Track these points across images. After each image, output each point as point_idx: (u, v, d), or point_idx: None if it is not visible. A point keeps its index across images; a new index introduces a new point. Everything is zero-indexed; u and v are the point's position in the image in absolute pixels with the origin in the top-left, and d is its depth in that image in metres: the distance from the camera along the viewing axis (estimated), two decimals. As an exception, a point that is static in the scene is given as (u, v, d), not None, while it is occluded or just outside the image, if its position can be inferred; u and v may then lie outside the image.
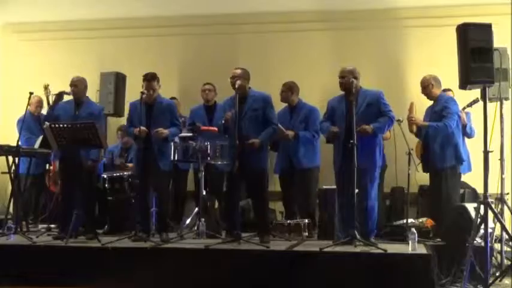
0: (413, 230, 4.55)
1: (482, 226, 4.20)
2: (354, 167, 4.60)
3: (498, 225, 4.55)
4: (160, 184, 5.20)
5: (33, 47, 7.55)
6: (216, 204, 5.96)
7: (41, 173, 6.49)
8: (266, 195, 5.12)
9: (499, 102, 4.89)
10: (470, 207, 4.83)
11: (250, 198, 6.01)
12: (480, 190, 4.62)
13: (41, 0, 6.98)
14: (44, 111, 6.43)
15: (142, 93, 5.13)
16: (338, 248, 4.52)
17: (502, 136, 4.83)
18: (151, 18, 7.19)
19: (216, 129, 5.58)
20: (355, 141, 4.63)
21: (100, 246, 4.76)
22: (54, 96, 5.70)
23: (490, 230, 4.35)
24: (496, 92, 4.85)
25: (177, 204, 6.08)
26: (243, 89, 5.00)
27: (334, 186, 5.14)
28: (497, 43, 4.37)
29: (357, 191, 4.67)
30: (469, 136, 5.71)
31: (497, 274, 4.42)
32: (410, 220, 5.40)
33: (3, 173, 6.05)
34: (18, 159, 5.71)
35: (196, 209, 5.52)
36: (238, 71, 5.03)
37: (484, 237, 4.18)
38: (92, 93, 5.80)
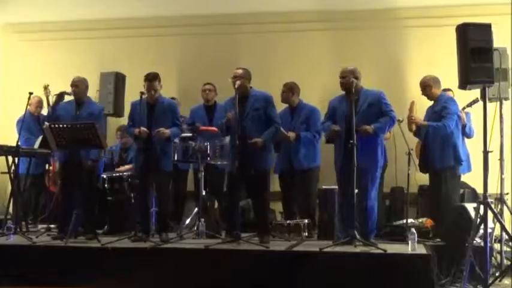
0: (413, 230, 4.55)
1: (482, 226, 4.20)
2: (353, 166, 4.60)
3: (498, 225, 4.55)
4: (161, 184, 5.20)
5: (33, 47, 7.56)
6: (216, 205, 5.96)
7: (40, 173, 6.49)
8: (267, 195, 5.12)
9: (498, 102, 4.89)
10: (470, 207, 4.83)
11: (250, 198, 6.04)
12: (480, 190, 4.62)
13: (41, 0, 6.98)
14: (44, 111, 6.44)
15: (142, 93, 5.14)
16: (338, 248, 4.52)
17: (501, 136, 4.83)
18: (151, 19, 7.20)
19: (215, 129, 5.59)
20: (355, 141, 4.63)
21: (100, 247, 4.76)
22: (54, 97, 5.71)
23: (489, 230, 4.35)
24: (496, 92, 4.85)
25: (177, 204, 6.08)
26: (244, 89, 5.00)
27: (334, 186, 5.15)
28: (497, 43, 4.38)
29: (356, 191, 4.67)
30: (469, 136, 5.71)
31: (496, 274, 4.42)
32: (410, 220, 5.41)
33: (3, 173, 6.05)
34: (18, 159, 5.71)
35: (196, 209, 5.51)
36: (240, 71, 5.03)
37: (484, 237, 4.18)
38: (92, 93, 5.80)
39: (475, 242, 4.30)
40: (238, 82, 4.93)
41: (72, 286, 4.47)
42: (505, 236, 4.58)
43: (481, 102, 4.65)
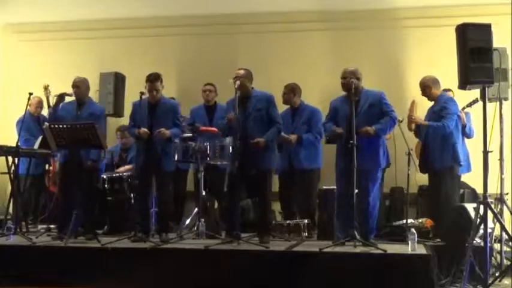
0: (413, 230, 4.55)
1: (482, 226, 4.20)
2: (353, 167, 4.60)
3: (498, 225, 4.55)
4: (162, 184, 5.20)
5: (33, 47, 7.56)
6: (216, 205, 5.96)
7: (40, 173, 6.49)
8: (268, 196, 5.12)
9: (498, 102, 4.89)
10: (470, 207, 4.83)
11: (249, 198, 6.04)
12: (480, 190, 4.62)
13: (41, 0, 6.98)
14: (44, 111, 6.44)
15: (141, 93, 5.14)
16: (338, 248, 4.52)
17: (501, 136, 4.83)
18: (150, 19, 7.20)
19: (215, 129, 5.59)
20: (355, 142, 4.63)
21: (100, 247, 4.76)
22: (55, 98, 5.70)
23: (489, 230, 4.35)
24: (496, 92, 4.85)
25: (177, 204, 6.07)
26: (246, 89, 5.01)
27: (334, 187, 5.14)
28: (496, 43, 4.38)
29: (356, 191, 4.67)
30: (468, 136, 5.71)
31: (496, 274, 4.42)
32: (409, 220, 5.41)
33: (2, 173, 6.05)
34: (18, 160, 5.70)
35: (196, 209, 5.51)
36: (241, 72, 5.04)
37: (484, 237, 4.18)
38: (92, 94, 5.79)
39: (475, 242, 4.30)
40: (237, 82, 4.93)
41: (72, 286, 4.47)
42: (504, 236, 4.58)
43: (480, 103, 4.66)
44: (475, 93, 5.07)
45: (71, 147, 5.07)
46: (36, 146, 6.10)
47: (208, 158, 5.19)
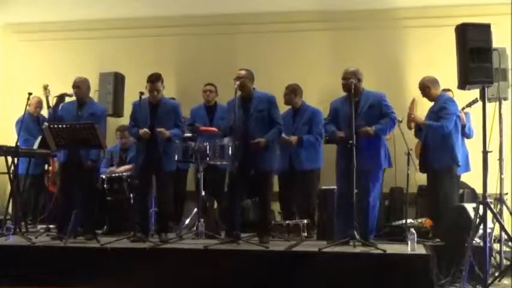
0: (413, 230, 4.55)
1: (481, 226, 4.20)
2: (353, 167, 4.61)
3: (497, 225, 4.55)
4: (163, 185, 5.20)
5: (33, 47, 7.56)
6: (215, 205, 5.96)
7: (40, 173, 6.49)
8: (268, 196, 5.12)
9: (498, 102, 4.89)
10: (469, 207, 4.83)
11: (249, 199, 6.03)
12: (479, 190, 4.62)
13: (41, 0, 6.99)
14: (44, 111, 6.44)
15: (141, 93, 5.14)
16: (337, 249, 4.52)
17: (501, 136, 4.83)
18: (150, 19, 7.20)
19: (215, 129, 5.59)
20: (355, 142, 4.63)
21: (99, 247, 4.76)
22: (55, 98, 5.70)
23: (489, 230, 4.35)
24: (495, 92, 4.84)
25: (177, 204, 6.07)
26: (247, 90, 5.01)
27: (334, 187, 5.14)
28: (496, 43, 4.38)
29: (356, 191, 4.68)
30: (468, 136, 5.71)
31: (496, 274, 4.42)
32: (409, 220, 5.42)
33: (2, 173, 6.05)
34: (18, 160, 5.70)
35: (196, 209, 5.51)
36: (243, 72, 5.04)
37: (483, 237, 4.18)
38: (91, 94, 5.78)
39: (474, 242, 4.30)
40: (237, 82, 4.93)
41: (72, 286, 4.47)
42: (504, 236, 4.58)
43: (480, 103, 4.65)
44: (475, 93, 5.07)
45: (70, 147, 5.08)
46: (35, 146, 6.10)
47: (208, 158, 5.18)
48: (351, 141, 4.64)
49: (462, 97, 5.56)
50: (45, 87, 5.97)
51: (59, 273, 4.56)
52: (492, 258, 4.65)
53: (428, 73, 5.53)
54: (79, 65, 6.82)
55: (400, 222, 5.56)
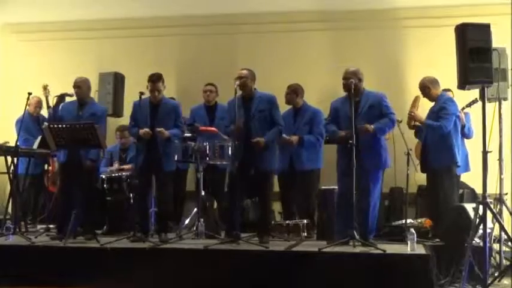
0: (412, 230, 4.56)
1: (481, 226, 4.20)
2: (352, 166, 4.61)
3: (497, 225, 4.55)
4: (163, 185, 5.20)
5: (32, 47, 7.55)
6: (215, 205, 5.96)
7: (39, 173, 6.49)
8: (268, 196, 5.13)
9: (497, 103, 4.89)
10: (469, 207, 4.82)
11: (249, 199, 6.03)
12: (479, 190, 4.62)
13: (40, 0, 6.98)
14: (43, 111, 6.44)
15: (141, 93, 5.14)
16: (337, 249, 4.52)
17: (500, 136, 4.84)
18: (149, 19, 7.19)
19: (215, 129, 5.59)
20: (355, 142, 4.63)
21: (99, 247, 4.76)
22: (55, 98, 5.70)
23: (488, 230, 4.35)
24: (495, 92, 4.84)
25: (176, 204, 6.07)
26: (249, 90, 5.01)
27: (334, 187, 5.15)
28: (496, 43, 4.38)
29: (355, 191, 4.68)
30: (468, 137, 5.71)
31: (496, 274, 4.42)
32: (409, 220, 5.41)
33: (2, 173, 6.05)
34: (17, 160, 5.70)
35: (195, 209, 5.51)
36: (244, 72, 5.04)
37: (483, 237, 4.18)
38: (91, 94, 5.79)
39: (474, 242, 4.31)
40: (237, 82, 4.93)
41: (71, 286, 4.47)
42: (504, 236, 4.58)
43: (480, 103, 4.65)
44: (475, 93, 5.07)
45: (70, 147, 5.07)
46: (35, 146, 6.10)
47: (207, 158, 5.19)
48: (350, 141, 4.65)
49: (462, 97, 5.56)
50: (45, 87, 5.97)
51: (59, 273, 4.56)
52: (492, 258, 4.66)
53: (428, 73, 5.52)
54: (78, 65, 6.81)
55: (399, 222, 5.56)
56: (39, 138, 6.05)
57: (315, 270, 4.36)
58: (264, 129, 5.00)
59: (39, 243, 4.96)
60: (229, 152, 5.02)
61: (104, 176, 5.71)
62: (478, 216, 4.19)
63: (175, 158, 5.25)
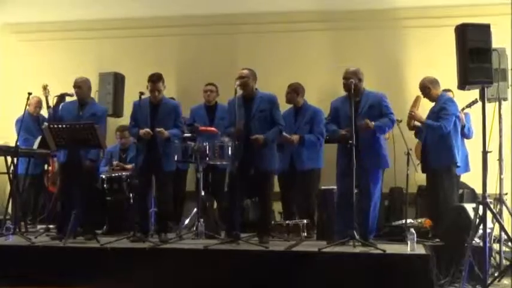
0: (412, 230, 4.56)
1: (481, 226, 4.20)
2: (352, 166, 4.61)
3: (497, 225, 4.55)
4: (163, 185, 5.20)
5: (32, 47, 7.55)
6: (215, 205, 5.96)
7: (39, 173, 6.49)
8: (268, 196, 5.13)
9: (497, 103, 4.89)
10: (469, 207, 4.83)
11: (249, 199, 6.03)
12: (479, 190, 4.62)
13: (39, 0, 6.98)
14: (43, 111, 6.44)
15: (141, 93, 5.14)
16: (337, 249, 4.52)
17: (500, 136, 4.84)
18: (149, 19, 7.19)
19: (215, 129, 5.59)
20: (354, 142, 4.63)
21: (99, 247, 4.76)
22: (55, 98, 5.69)
23: (488, 230, 4.35)
24: (495, 92, 4.85)
25: (176, 204, 6.07)
26: (249, 89, 5.01)
27: (333, 187, 5.15)
28: (495, 43, 4.38)
29: (355, 191, 4.68)
30: (468, 137, 5.71)
31: (495, 274, 4.43)
32: (409, 220, 5.42)
33: (1, 173, 6.04)
34: (17, 160, 5.70)
35: (195, 209, 5.51)
36: (245, 71, 5.04)
37: (483, 237, 4.18)
38: (91, 94, 5.79)
39: (474, 242, 4.31)
40: (237, 82, 4.94)
41: (71, 286, 4.47)
42: (504, 236, 4.58)
43: (480, 103, 4.66)
44: (475, 93, 5.07)
45: (70, 147, 5.07)
46: (35, 146, 6.10)
47: (207, 158, 5.19)
48: (350, 141, 4.65)
49: (462, 97, 5.56)
50: (45, 87, 5.97)
51: (59, 273, 4.56)
52: (492, 258, 4.66)
53: (428, 73, 5.53)
54: (78, 65, 6.81)
55: (399, 222, 5.56)
56: (39, 138, 6.05)
57: (315, 270, 4.36)
58: (265, 129, 5.00)
59: (39, 243, 4.95)
60: (229, 152, 5.02)
61: (104, 176, 5.71)
62: (478, 216, 4.19)
63: (175, 158, 5.25)
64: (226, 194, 5.27)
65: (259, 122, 5.00)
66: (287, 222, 5.48)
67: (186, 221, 5.81)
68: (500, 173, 4.80)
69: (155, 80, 5.16)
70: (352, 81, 4.79)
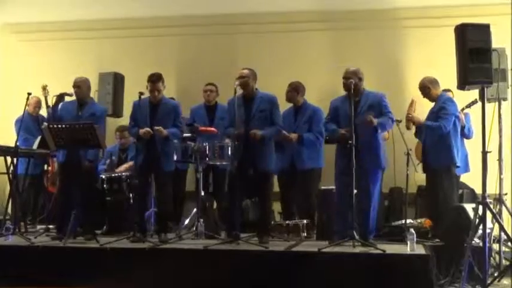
0: (412, 230, 4.56)
1: (481, 226, 4.20)
2: (352, 166, 4.61)
3: (496, 225, 4.55)
4: (162, 185, 5.20)
5: (32, 47, 7.55)
6: (215, 205, 5.96)
7: (39, 173, 6.49)
8: (268, 196, 5.13)
9: (497, 103, 4.89)
10: (469, 207, 4.83)
11: (249, 199, 6.03)
12: (478, 190, 4.61)
13: (39, 0, 6.98)
14: (43, 111, 6.43)
15: (140, 93, 5.14)
16: (337, 249, 4.52)
17: (500, 136, 4.84)
18: (149, 19, 7.19)
19: (215, 130, 5.58)
20: (354, 142, 4.63)
21: (98, 247, 4.76)
22: (54, 98, 5.69)
23: (488, 231, 4.35)
24: (495, 92, 4.85)
25: (176, 204, 6.07)
26: (249, 89, 5.01)
27: (333, 187, 5.14)
28: (495, 43, 4.38)
29: (355, 191, 4.68)
30: (467, 137, 5.72)
31: (495, 274, 4.43)
32: (408, 220, 5.41)
33: (1, 173, 6.04)
34: (17, 160, 5.70)
35: (195, 209, 5.51)
36: (246, 71, 5.04)
37: (483, 237, 4.18)
38: (91, 94, 5.79)
39: (473, 242, 4.31)
40: (237, 82, 4.94)
41: (71, 286, 4.47)
42: (503, 236, 4.59)
43: (480, 103, 4.66)
44: (476, 93, 5.07)
45: (69, 147, 5.07)
46: (35, 146, 6.10)
47: (207, 158, 5.19)
48: (350, 142, 4.65)
49: (462, 97, 5.56)
50: (44, 88, 5.97)
51: (59, 273, 4.56)
52: (491, 258, 4.66)
53: (427, 73, 5.53)
54: (78, 65, 6.81)
55: (399, 222, 5.56)
56: (38, 138, 6.05)
57: (315, 270, 4.36)
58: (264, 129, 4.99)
59: (39, 243, 4.95)
60: (229, 152, 5.02)
61: (103, 176, 5.71)
62: (477, 216, 4.19)
63: (175, 158, 5.24)
64: (226, 194, 5.27)
65: (259, 122, 5.00)
66: (287, 222, 5.48)
67: (186, 221, 5.81)
68: (500, 173, 4.81)
69: (155, 80, 5.16)
70: (352, 81, 4.79)
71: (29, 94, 5.71)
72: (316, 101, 6.10)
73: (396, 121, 5.25)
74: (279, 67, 6.83)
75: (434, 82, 5.37)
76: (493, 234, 4.71)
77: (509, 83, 5.16)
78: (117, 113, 6.57)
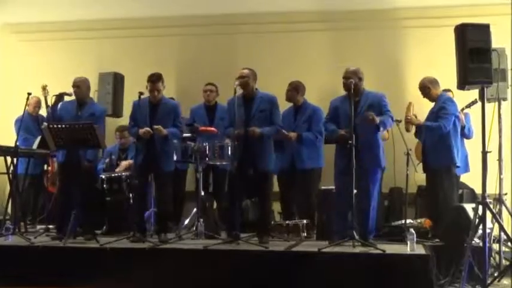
0: (412, 230, 4.56)
1: (481, 226, 4.20)
2: (352, 166, 4.61)
3: (496, 225, 4.55)
4: (162, 185, 5.20)
5: (32, 47, 7.55)
6: (215, 205, 5.96)
7: (39, 173, 6.49)
8: (268, 196, 5.13)
9: (497, 103, 4.89)
10: (469, 207, 4.83)
11: (249, 199, 6.03)
12: (478, 190, 4.61)
13: (39, 0, 6.98)
14: (42, 111, 6.43)
15: (140, 93, 5.14)
16: (337, 249, 4.52)
17: (500, 136, 4.84)
18: (149, 19, 7.19)
19: (215, 130, 5.58)
20: (354, 142, 4.63)
21: (98, 247, 4.76)
22: (54, 98, 5.70)
23: (488, 231, 4.35)
24: (494, 92, 4.85)
25: (176, 204, 6.07)
26: (249, 89, 5.01)
27: (333, 187, 5.15)
28: (495, 43, 4.38)
29: (355, 191, 4.68)
30: (467, 137, 5.72)
31: (495, 274, 4.43)
32: (408, 220, 5.42)
33: (1, 173, 6.04)
34: (17, 160, 5.70)
35: (195, 209, 5.51)
36: (246, 71, 5.04)
37: (483, 237, 4.18)
38: (91, 94, 5.79)
39: (473, 242, 4.31)
40: (236, 82, 4.94)
41: (71, 286, 4.47)
42: (503, 236, 4.59)
43: (479, 103, 4.66)
44: (476, 93, 5.07)
45: (69, 147, 5.07)
46: (35, 146, 6.10)
47: (207, 158, 5.19)
48: (350, 142, 4.65)
49: (462, 97, 5.56)
50: (44, 88, 5.97)
51: (59, 273, 4.56)
52: (491, 258, 4.66)
53: (427, 73, 5.53)
54: (78, 65, 6.81)
55: (399, 222, 5.57)
56: (38, 138, 6.05)
57: (315, 270, 4.36)
58: None
59: (39, 243, 4.95)
60: (229, 152, 5.02)
61: (103, 176, 5.71)
62: (477, 216, 4.19)
63: (175, 158, 5.24)
64: (226, 194, 5.27)
65: (259, 122, 5.00)
66: (287, 222, 5.48)
67: (186, 221, 5.81)
68: (500, 173, 4.81)
69: (155, 80, 5.16)
70: (352, 80, 4.79)
71: (29, 94, 5.71)
72: (316, 100, 6.10)
73: (396, 121, 5.26)
74: (279, 67, 6.83)
75: (434, 82, 5.37)
76: (493, 234, 4.71)
77: (509, 83, 5.16)
78: (117, 113, 6.57)
